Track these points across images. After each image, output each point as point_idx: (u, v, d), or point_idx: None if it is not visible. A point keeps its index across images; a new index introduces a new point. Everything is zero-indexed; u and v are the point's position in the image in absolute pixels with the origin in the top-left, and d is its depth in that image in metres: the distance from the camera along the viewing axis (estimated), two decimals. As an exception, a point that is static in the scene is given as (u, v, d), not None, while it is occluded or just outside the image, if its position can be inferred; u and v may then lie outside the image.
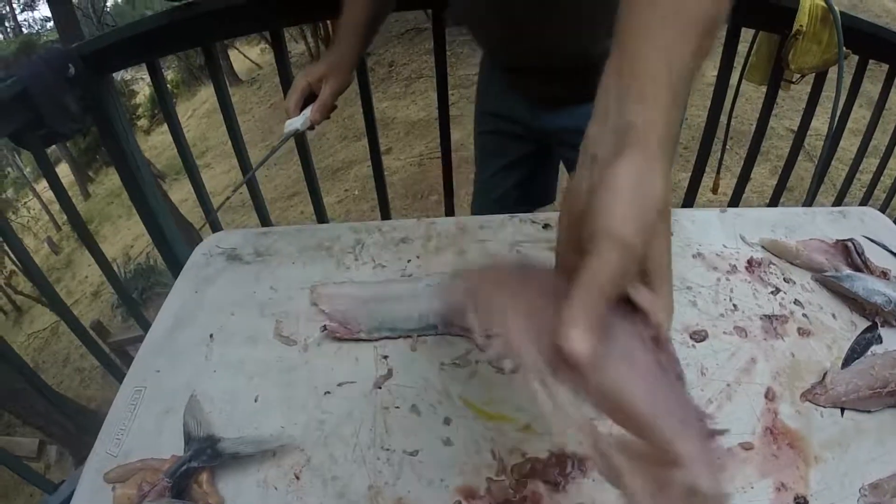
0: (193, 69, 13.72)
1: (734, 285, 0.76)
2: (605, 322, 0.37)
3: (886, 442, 0.58)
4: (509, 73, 1.09)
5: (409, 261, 0.81)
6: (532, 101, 1.09)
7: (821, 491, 0.54)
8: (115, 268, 1.61)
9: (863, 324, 0.71)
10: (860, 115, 1.64)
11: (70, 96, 1.25)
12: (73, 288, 8.58)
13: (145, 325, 1.21)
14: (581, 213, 0.41)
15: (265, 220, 1.63)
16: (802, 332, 0.70)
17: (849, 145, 1.72)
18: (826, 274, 0.77)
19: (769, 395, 0.62)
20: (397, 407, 0.61)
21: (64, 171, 11.50)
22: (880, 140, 1.68)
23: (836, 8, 1.26)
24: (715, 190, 1.70)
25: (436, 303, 0.71)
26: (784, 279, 0.78)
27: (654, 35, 0.48)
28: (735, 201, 1.74)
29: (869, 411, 0.61)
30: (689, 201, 1.72)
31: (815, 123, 1.52)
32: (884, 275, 0.77)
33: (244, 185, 1.59)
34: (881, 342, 0.69)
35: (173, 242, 1.61)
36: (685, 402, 0.38)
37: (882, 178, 1.74)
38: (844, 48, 1.30)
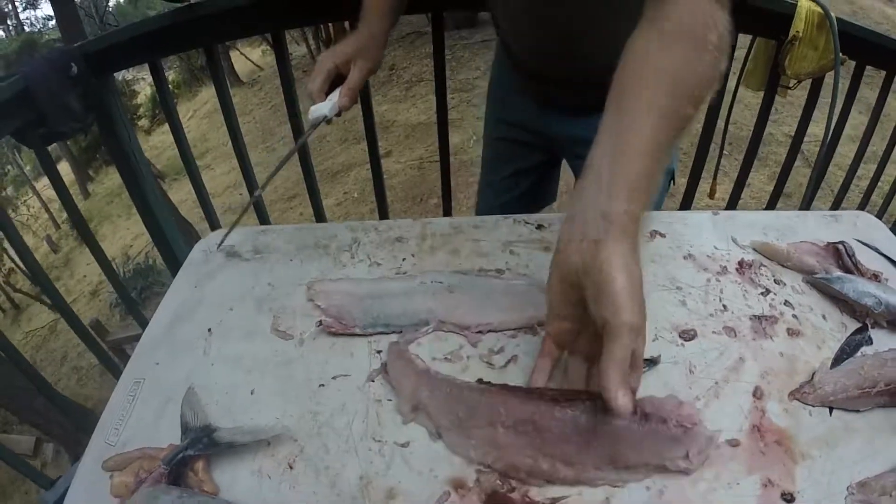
0: (195, 70, 13.76)
1: (724, 286, 0.77)
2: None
3: (876, 441, 0.59)
4: (536, 82, 1.05)
5: (403, 259, 0.83)
6: (552, 109, 1.06)
7: (808, 488, 0.54)
8: (114, 267, 1.62)
9: (853, 325, 0.72)
10: (859, 122, 1.65)
11: (72, 95, 1.26)
12: (71, 287, 8.58)
13: (143, 324, 1.23)
14: (576, 282, 0.55)
15: (264, 221, 1.64)
16: (792, 333, 0.70)
17: (847, 151, 1.72)
18: (817, 276, 0.78)
19: (757, 394, 0.63)
20: (389, 400, 0.62)
21: (64, 169, 11.49)
22: (879, 146, 1.69)
23: (833, 14, 1.26)
24: (712, 195, 1.71)
25: (429, 300, 0.73)
26: (774, 281, 0.78)
27: (652, 106, 0.58)
28: (732, 206, 1.75)
29: (858, 411, 0.62)
30: (685, 206, 1.73)
31: (814, 129, 1.53)
32: (875, 277, 0.78)
33: (244, 185, 1.61)
34: (871, 343, 0.69)
35: (173, 242, 1.62)
36: None
37: (880, 183, 1.75)
38: (841, 54, 1.30)
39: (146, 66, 1.41)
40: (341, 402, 0.63)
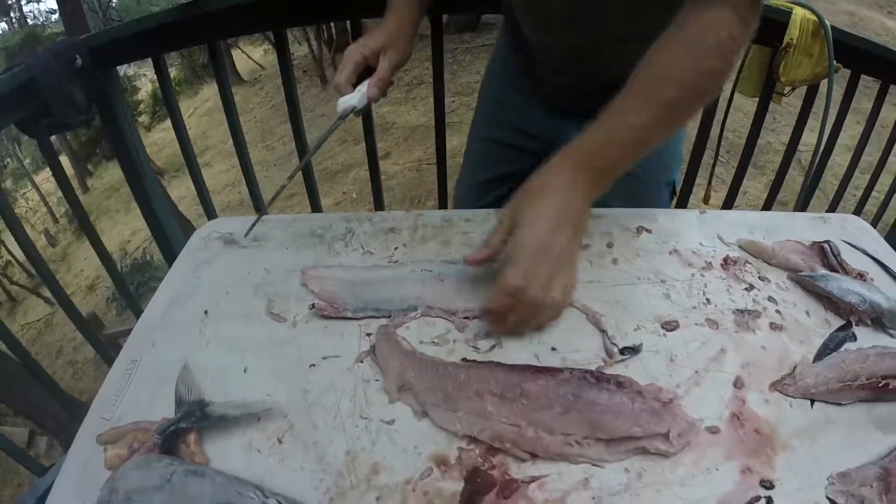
0: (196, 67, 13.78)
1: (708, 281, 0.78)
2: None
3: (857, 434, 0.60)
4: (549, 86, 1.03)
5: (395, 248, 0.85)
6: (559, 114, 1.04)
7: (788, 476, 0.55)
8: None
9: (837, 323, 0.73)
10: (857, 132, 1.66)
11: (76, 87, 1.28)
12: (68, 281, 8.58)
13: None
14: (512, 216, 0.70)
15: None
16: (774, 327, 0.71)
17: (844, 161, 1.74)
18: (801, 273, 0.79)
19: (738, 384, 0.64)
20: (377, 380, 0.65)
21: (63, 164, 11.48)
22: (875, 157, 1.70)
23: (828, 22, 1.28)
24: (706, 200, 1.71)
25: (418, 287, 0.75)
26: (759, 277, 0.79)
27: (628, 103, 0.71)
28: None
29: (840, 404, 0.62)
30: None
31: (812, 138, 1.54)
32: (860, 276, 0.79)
33: (243, 183, 1.63)
34: (855, 340, 0.70)
35: (171, 236, 1.64)
36: None
37: (876, 193, 1.76)
38: (836, 62, 1.32)
39: (147, 62, 1.43)
40: (330, 381, 0.65)
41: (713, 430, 0.59)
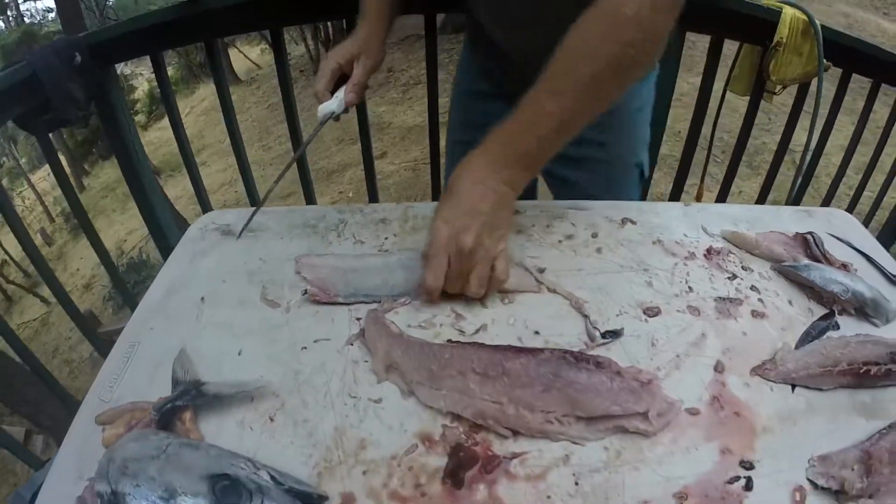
0: (193, 66, 13.76)
1: (691, 270, 0.80)
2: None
3: (839, 419, 0.60)
4: (512, 84, 1.03)
5: (385, 238, 0.87)
6: None
7: (768, 458, 0.56)
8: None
9: (820, 312, 0.74)
10: (851, 131, 1.67)
11: (76, 84, 1.30)
12: (64, 280, 8.55)
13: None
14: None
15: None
16: (756, 315, 0.73)
17: (839, 160, 1.75)
18: (784, 263, 0.80)
19: (718, 368, 0.65)
20: (366, 361, 0.67)
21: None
22: (867, 156, 1.72)
23: (818, 21, 1.30)
24: (699, 199, 1.72)
25: (406, 273, 0.78)
26: (742, 267, 0.81)
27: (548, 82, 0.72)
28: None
29: (821, 389, 0.63)
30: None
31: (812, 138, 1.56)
32: (844, 267, 0.80)
33: (240, 182, 1.65)
34: (838, 329, 0.71)
35: (169, 233, 1.66)
36: None
37: (869, 192, 1.78)
38: (826, 61, 1.34)
39: (144, 61, 1.46)
40: (321, 362, 0.67)
41: (693, 412, 0.60)
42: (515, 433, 0.59)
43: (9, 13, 14.25)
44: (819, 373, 0.63)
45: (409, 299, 0.75)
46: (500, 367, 0.62)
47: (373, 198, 1.75)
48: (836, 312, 0.73)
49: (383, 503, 0.53)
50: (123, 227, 8.83)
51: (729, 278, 0.79)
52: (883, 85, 1.49)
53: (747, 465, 0.55)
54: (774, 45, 1.34)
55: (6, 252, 9.48)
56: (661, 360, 0.66)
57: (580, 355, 0.63)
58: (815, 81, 1.40)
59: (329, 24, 8.76)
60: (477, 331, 0.70)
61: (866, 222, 1.77)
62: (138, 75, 13.72)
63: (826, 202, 1.78)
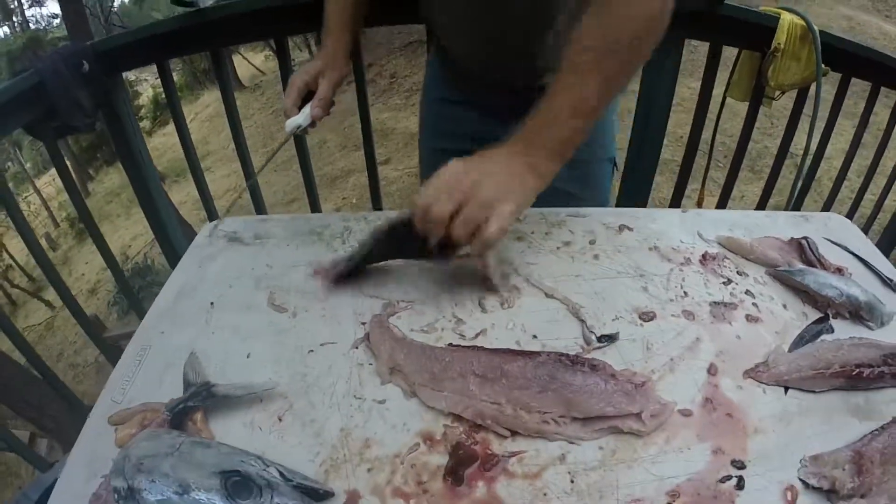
0: (198, 73, 13.84)
1: (686, 275, 0.81)
2: None
3: (832, 421, 0.61)
4: (476, 89, 1.07)
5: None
6: (493, 118, 1.01)
7: (759, 458, 0.57)
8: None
9: (815, 316, 0.75)
10: (853, 134, 1.67)
11: (83, 91, 1.32)
12: (69, 285, 8.52)
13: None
14: None
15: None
16: (751, 319, 0.74)
17: (839, 164, 1.75)
18: (779, 268, 0.81)
19: (712, 371, 0.66)
20: (371, 364, 0.69)
21: (65, 168, 11.50)
22: (869, 159, 1.72)
23: (815, 27, 1.31)
24: (700, 204, 1.73)
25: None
26: (737, 272, 0.82)
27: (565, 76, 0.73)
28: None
29: (814, 392, 0.64)
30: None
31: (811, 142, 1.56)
32: (839, 271, 0.81)
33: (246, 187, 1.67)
34: (832, 332, 0.72)
35: (174, 239, 1.68)
36: None
37: (870, 195, 1.78)
38: (825, 66, 1.35)
39: (148, 68, 1.47)
40: (327, 365, 0.69)
41: (686, 413, 0.62)
42: (513, 433, 0.61)
43: (14, 19, 14.35)
44: (811, 375, 0.64)
45: (410, 305, 0.78)
46: (498, 369, 0.64)
47: (377, 204, 1.76)
48: (831, 316, 0.74)
49: (387, 500, 0.55)
50: (128, 233, 8.88)
51: (724, 283, 0.80)
52: (883, 88, 1.50)
53: (739, 465, 0.57)
54: (772, 50, 1.35)
55: (11, 256, 9.53)
56: (655, 364, 0.68)
57: (576, 358, 0.65)
58: (814, 86, 1.41)
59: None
60: (477, 335, 0.73)
61: (867, 226, 1.78)
62: (143, 81, 13.82)
63: (827, 206, 1.78)
